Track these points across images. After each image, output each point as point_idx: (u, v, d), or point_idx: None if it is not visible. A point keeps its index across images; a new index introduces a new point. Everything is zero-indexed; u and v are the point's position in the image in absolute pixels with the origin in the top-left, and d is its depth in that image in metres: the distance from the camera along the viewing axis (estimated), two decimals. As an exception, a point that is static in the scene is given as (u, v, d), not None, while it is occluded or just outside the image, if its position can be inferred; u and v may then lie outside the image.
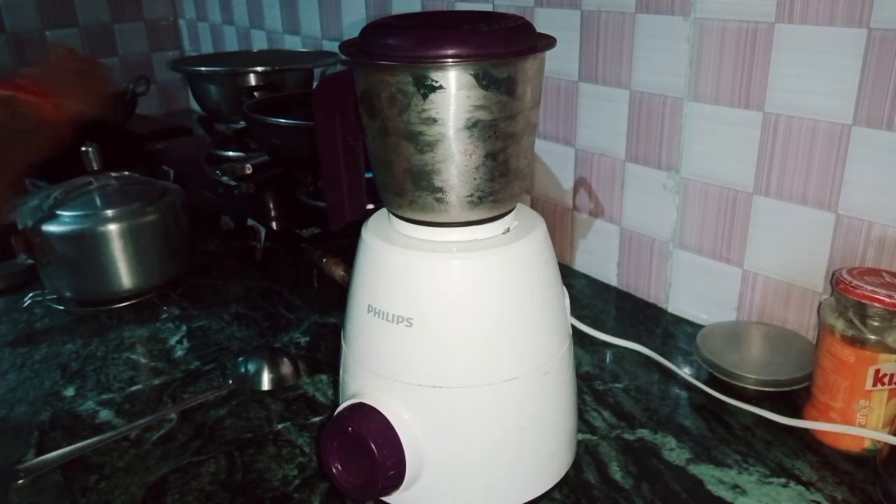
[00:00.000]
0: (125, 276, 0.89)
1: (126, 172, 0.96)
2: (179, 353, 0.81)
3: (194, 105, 1.45)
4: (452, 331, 0.52)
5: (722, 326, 0.78)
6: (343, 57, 0.58)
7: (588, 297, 0.90)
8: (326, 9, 1.37)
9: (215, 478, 0.61)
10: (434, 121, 0.49)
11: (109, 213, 0.87)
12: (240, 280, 0.97)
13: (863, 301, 0.58)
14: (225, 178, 1.03)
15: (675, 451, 0.62)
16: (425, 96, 0.48)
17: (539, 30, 0.52)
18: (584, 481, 0.59)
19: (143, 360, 0.80)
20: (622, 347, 0.78)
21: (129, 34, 1.78)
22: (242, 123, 1.24)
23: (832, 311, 0.61)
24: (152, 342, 0.83)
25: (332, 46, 1.38)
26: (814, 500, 0.57)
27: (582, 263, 0.97)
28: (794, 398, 0.68)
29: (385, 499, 0.55)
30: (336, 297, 0.89)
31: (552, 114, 0.94)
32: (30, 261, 0.89)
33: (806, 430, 0.64)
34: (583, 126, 0.91)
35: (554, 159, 0.96)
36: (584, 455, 0.62)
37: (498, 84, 0.48)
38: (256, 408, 0.70)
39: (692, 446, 0.63)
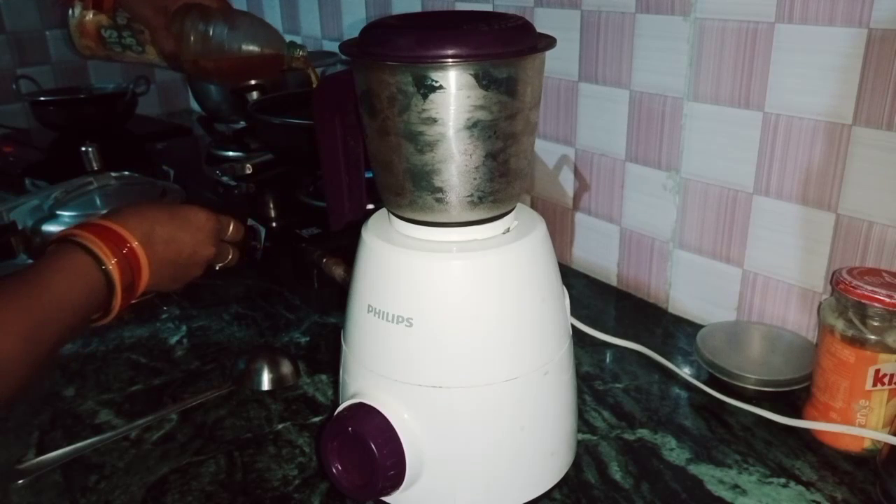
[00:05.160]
0: (125, 276, 0.88)
1: (126, 172, 0.96)
2: (179, 353, 0.81)
3: (194, 105, 1.45)
4: (452, 331, 0.52)
5: (722, 326, 0.78)
6: (343, 57, 0.58)
7: (588, 297, 0.90)
8: (326, 9, 1.37)
9: (215, 478, 0.61)
10: (434, 121, 0.49)
11: (109, 213, 0.87)
12: (240, 280, 0.97)
13: (863, 301, 0.58)
14: (225, 178, 1.03)
15: (675, 451, 0.62)
16: (425, 96, 0.48)
17: (539, 30, 0.52)
18: (584, 481, 0.59)
19: (143, 360, 0.80)
20: (622, 347, 0.78)
21: (129, 34, 1.78)
22: (242, 123, 1.24)
23: (832, 311, 0.61)
24: (152, 342, 0.83)
25: (332, 46, 1.38)
26: (814, 500, 0.57)
27: (582, 263, 0.97)
28: (794, 398, 0.68)
29: (385, 499, 0.55)
30: (336, 297, 0.89)
31: (552, 114, 0.94)
32: (30, 261, 0.89)
33: (806, 430, 0.64)
34: (583, 126, 0.91)
35: (554, 159, 0.96)
36: (584, 455, 0.62)
37: (498, 84, 0.48)
38: (256, 408, 0.70)
39: (692, 446, 0.63)
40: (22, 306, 0.51)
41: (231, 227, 0.70)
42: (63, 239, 0.58)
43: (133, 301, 0.60)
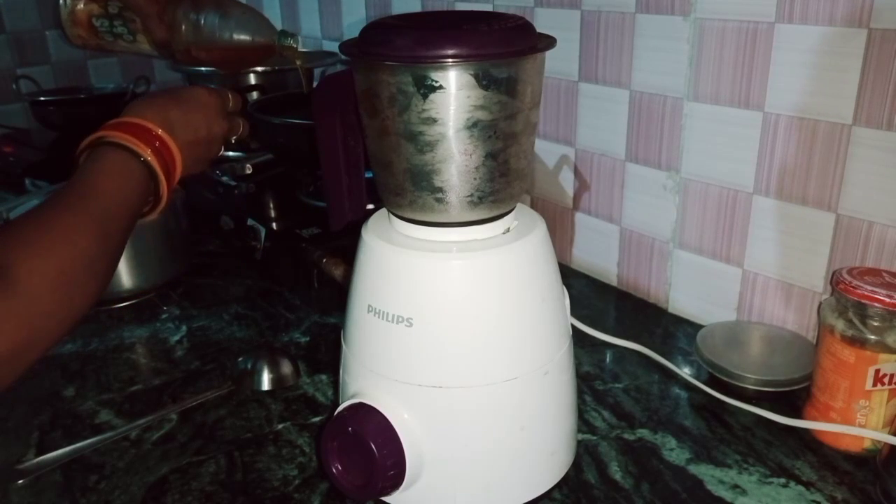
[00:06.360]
0: (125, 276, 0.89)
1: (126, 172, 0.96)
2: (179, 353, 0.81)
3: (194, 105, 1.46)
4: (452, 331, 0.52)
5: (722, 326, 0.78)
6: (343, 57, 0.58)
7: (588, 297, 0.90)
8: (326, 9, 1.37)
9: (215, 478, 0.61)
10: (434, 121, 0.49)
11: (109, 213, 0.87)
12: (240, 280, 0.97)
13: (863, 301, 0.58)
14: (225, 178, 1.03)
15: (675, 451, 0.62)
16: (425, 96, 0.48)
17: (539, 30, 0.52)
18: (584, 481, 0.59)
19: (143, 360, 0.80)
20: (622, 347, 0.78)
21: (129, 34, 1.78)
22: (242, 123, 1.24)
23: (832, 311, 0.61)
24: (152, 342, 0.83)
25: (332, 46, 1.38)
26: (814, 500, 0.57)
27: (582, 263, 0.97)
28: (794, 398, 0.68)
29: (385, 499, 0.55)
30: (336, 297, 0.89)
31: (552, 114, 0.94)
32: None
33: (806, 430, 0.64)
34: (583, 126, 0.91)
35: (554, 159, 0.96)
36: (584, 455, 0.62)
37: (498, 84, 0.48)
38: (256, 408, 0.70)
39: (692, 446, 0.63)
40: (88, 212, 0.53)
41: (231, 99, 0.72)
42: (93, 144, 0.58)
43: (174, 188, 0.62)
